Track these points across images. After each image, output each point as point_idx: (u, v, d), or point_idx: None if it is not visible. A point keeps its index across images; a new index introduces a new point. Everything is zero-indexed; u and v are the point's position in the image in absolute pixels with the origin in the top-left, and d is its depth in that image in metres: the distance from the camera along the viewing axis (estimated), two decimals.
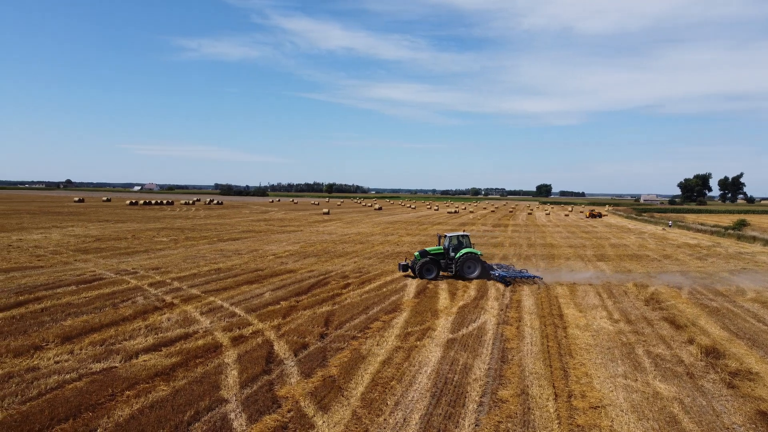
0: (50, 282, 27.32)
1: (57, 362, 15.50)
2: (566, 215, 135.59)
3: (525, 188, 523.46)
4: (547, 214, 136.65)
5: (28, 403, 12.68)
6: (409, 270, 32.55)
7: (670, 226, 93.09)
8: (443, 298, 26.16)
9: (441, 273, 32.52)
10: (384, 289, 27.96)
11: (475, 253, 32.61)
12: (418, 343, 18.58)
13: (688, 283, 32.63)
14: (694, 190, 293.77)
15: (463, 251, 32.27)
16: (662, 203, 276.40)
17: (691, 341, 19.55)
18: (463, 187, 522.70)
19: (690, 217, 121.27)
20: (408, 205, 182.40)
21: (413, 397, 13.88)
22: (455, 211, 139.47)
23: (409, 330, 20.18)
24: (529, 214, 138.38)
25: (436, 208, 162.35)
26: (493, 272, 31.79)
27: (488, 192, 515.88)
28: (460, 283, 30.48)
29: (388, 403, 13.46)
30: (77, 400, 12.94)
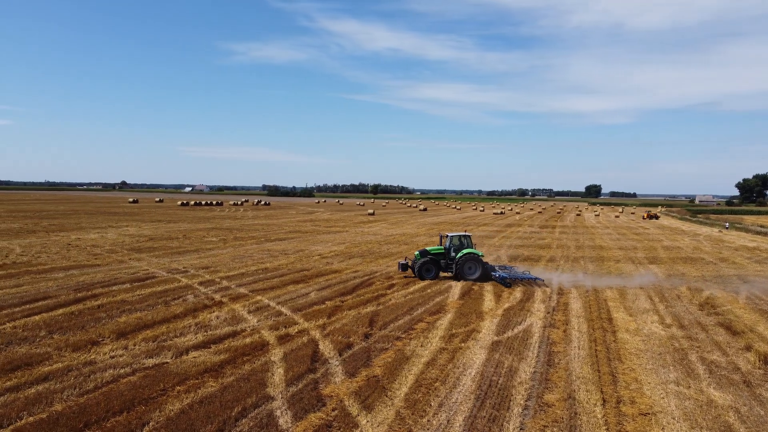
0: (106, 280, 28.40)
1: (112, 357, 16.11)
2: (616, 216, 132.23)
3: (573, 189, 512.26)
4: (596, 216, 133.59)
5: (85, 396, 13.22)
6: (409, 269, 32.52)
7: (726, 228, 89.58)
8: (488, 300, 25.93)
9: (442, 274, 32.40)
10: (428, 290, 27.91)
11: (476, 254, 32.18)
12: (463, 344, 18.48)
13: (746, 287, 31.33)
14: (754, 190, 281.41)
15: (464, 252, 31.95)
16: (718, 204, 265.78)
17: (748, 348, 18.77)
18: (509, 188, 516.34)
19: (749, 219, 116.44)
20: (453, 206, 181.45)
21: (457, 398, 13.82)
22: (501, 212, 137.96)
23: (454, 331, 20.10)
24: (578, 215, 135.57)
25: (482, 209, 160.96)
26: (494, 273, 31.47)
27: (535, 193, 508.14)
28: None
29: (432, 404, 13.44)
30: (131, 393, 13.42)
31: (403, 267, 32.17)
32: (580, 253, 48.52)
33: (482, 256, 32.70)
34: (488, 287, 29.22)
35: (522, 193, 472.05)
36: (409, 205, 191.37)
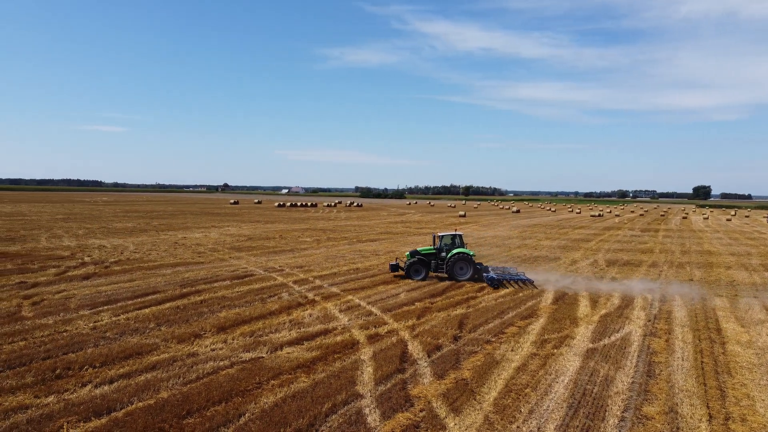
0: (209, 277, 30.05)
1: (213, 350, 17.02)
2: (728, 220, 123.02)
3: (679, 190, 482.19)
4: (705, 219, 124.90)
5: (188, 385, 14.06)
6: (400, 270, 32.04)
7: None
8: (583, 306, 24.96)
9: (437, 274, 32.03)
10: (520, 294, 27.29)
11: (467, 254, 31.24)
12: (555, 351, 17.92)
13: None
14: None
15: (454, 252, 31.19)
16: None
17: None
18: (608, 189, 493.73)
19: None
20: (548, 208, 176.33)
21: (548, 406, 13.42)
22: (599, 215, 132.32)
23: (546, 337, 19.53)
24: (684, 218, 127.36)
25: (578, 211, 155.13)
26: (486, 274, 30.37)
27: (637, 194, 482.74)
28: (603, 290, 28.88)
29: (522, 410, 13.13)
30: (229, 385, 14.11)
31: (393, 267, 32.09)
32: (686, 258, 45.58)
33: (474, 255, 31.92)
34: (584, 292, 28.13)
35: (622, 194, 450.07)
36: (501, 206, 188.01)
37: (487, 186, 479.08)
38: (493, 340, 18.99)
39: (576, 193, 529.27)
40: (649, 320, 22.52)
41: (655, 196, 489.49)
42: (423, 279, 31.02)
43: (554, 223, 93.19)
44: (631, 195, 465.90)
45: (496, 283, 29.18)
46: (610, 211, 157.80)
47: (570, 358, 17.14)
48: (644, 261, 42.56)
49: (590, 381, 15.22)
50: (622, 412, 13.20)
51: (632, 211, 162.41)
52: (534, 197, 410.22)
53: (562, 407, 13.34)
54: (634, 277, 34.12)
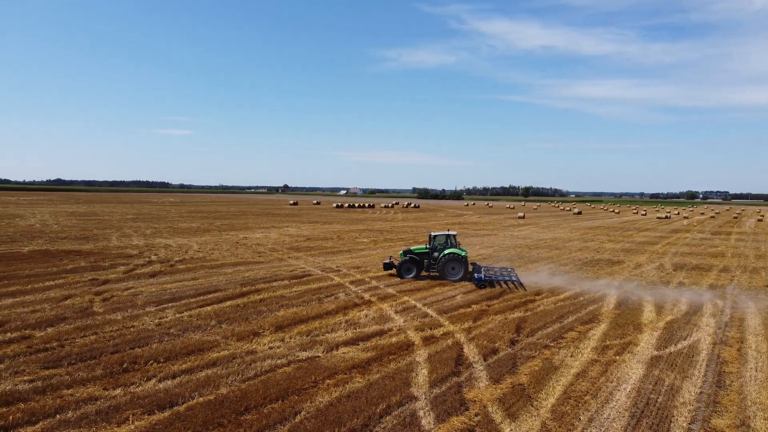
0: (268, 276, 30.70)
1: (271, 348, 17.35)
2: None
3: (755, 191, 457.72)
4: None
5: (246, 382, 14.39)
6: (393, 268, 32.09)
7: None
8: (648, 311, 24.02)
9: (430, 273, 32.05)
10: (580, 298, 26.54)
11: (459, 254, 30.73)
12: (618, 357, 17.32)
13: None
14: None
15: (446, 251, 30.76)
16: None
17: None
18: (676, 190, 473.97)
19: None
20: (611, 210, 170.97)
21: (609, 415, 12.97)
22: (666, 216, 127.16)
23: (608, 343, 18.90)
24: (759, 220, 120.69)
25: (644, 212, 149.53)
26: (477, 275, 29.67)
27: (707, 195, 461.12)
28: (669, 295, 27.72)
29: (581, 418, 12.75)
30: (286, 383, 14.35)
31: (387, 266, 32.20)
32: (762, 263, 43.16)
33: (466, 255, 31.43)
34: (648, 297, 27.08)
35: (691, 195, 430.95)
36: (562, 208, 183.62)
37: (548, 187, 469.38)
38: (552, 345, 18.54)
39: (641, 194, 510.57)
40: (720, 328, 21.45)
41: (727, 197, 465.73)
42: (414, 277, 31.28)
43: (618, 225, 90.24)
44: (701, 196, 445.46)
45: (483, 284, 29.04)
46: (678, 213, 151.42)
47: (633, 366, 16.52)
48: (715, 265, 40.59)
49: (654, 390, 14.62)
50: (689, 423, 12.61)
51: (702, 213, 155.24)
52: (597, 198, 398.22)
53: (623, 416, 12.87)
54: (704, 282, 32.60)
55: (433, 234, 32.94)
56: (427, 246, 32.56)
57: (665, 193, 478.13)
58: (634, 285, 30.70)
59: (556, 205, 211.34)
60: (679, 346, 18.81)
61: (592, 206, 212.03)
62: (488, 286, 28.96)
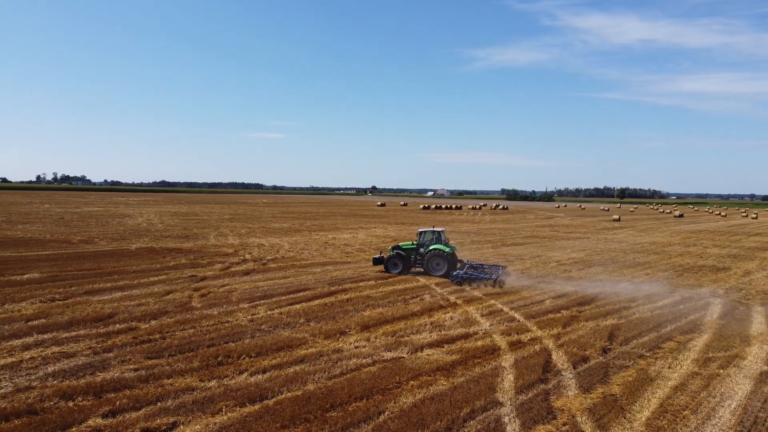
0: (355, 276, 31.22)
1: (356, 347, 17.63)
2: None
3: None
4: None
5: (332, 380, 14.69)
6: (382, 265, 32.98)
7: None
8: (758, 323, 22.26)
9: (415, 268, 32.64)
10: (681, 306, 25.03)
11: (443, 251, 31.38)
12: (722, 371, 16.17)
13: None
14: None
15: (431, 248, 30.65)
16: None
17: None
18: None
19: None
20: (717, 213, 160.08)
21: None
22: None
23: (711, 355, 17.69)
24: None
25: (755, 215, 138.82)
26: (453, 272, 29.36)
27: None
28: None
29: None
30: (370, 383, 14.52)
31: (377, 261, 33.37)
32: None
33: (450, 252, 31.53)
34: (758, 307, 25.09)
35: None
36: (661, 210, 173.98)
37: (646, 188, 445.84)
38: (648, 354, 17.60)
39: (752, 196, 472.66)
40: None
41: None
42: (401, 273, 31.94)
43: (724, 229, 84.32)
44: None
45: (459, 281, 28.72)
46: None
47: (739, 381, 15.36)
48: None
49: (763, 408, 13.52)
50: None
51: None
52: (701, 200, 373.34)
53: None
54: None
55: (420, 231, 33.63)
56: (414, 242, 33.34)
57: None
58: (742, 294, 28.57)
59: (655, 208, 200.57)
60: None
61: (696, 209, 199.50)
62: (465, 284, 28.70)
